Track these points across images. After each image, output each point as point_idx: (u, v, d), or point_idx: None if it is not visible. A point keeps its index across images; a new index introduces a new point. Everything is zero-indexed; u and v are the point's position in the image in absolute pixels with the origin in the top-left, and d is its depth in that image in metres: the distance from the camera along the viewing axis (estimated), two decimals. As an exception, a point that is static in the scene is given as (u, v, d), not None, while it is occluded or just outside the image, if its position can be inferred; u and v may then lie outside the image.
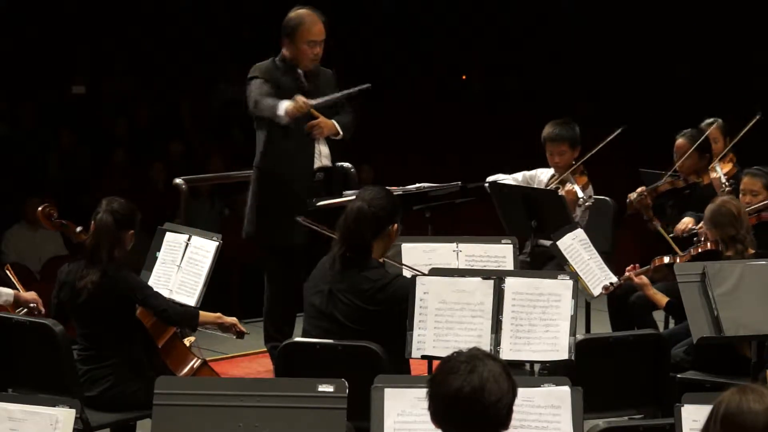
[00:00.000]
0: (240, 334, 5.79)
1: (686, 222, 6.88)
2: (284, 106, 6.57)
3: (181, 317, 5.65)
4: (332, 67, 7.09)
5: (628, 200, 7.35)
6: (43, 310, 5.77)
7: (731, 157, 7.74)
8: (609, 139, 7.18)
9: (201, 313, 5.72)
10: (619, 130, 7.19)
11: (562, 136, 7.16)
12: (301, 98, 6.59)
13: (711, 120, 7.80)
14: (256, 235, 6.91)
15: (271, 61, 6.89)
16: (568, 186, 7.07)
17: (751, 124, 7.51)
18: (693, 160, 7.30)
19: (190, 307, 5.75)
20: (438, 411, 3.29)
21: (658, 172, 7.53)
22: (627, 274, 6.32)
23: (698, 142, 7.29)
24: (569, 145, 7.16)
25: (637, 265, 6.38)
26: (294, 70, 6.84)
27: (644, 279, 6.30)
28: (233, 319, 5.79)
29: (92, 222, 5.50)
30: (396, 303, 5.17)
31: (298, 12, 6.85)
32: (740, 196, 6.71)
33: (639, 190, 7.30)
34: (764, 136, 7.80)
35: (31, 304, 5.75)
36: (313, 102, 6.66)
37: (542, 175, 7.34)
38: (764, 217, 6.69)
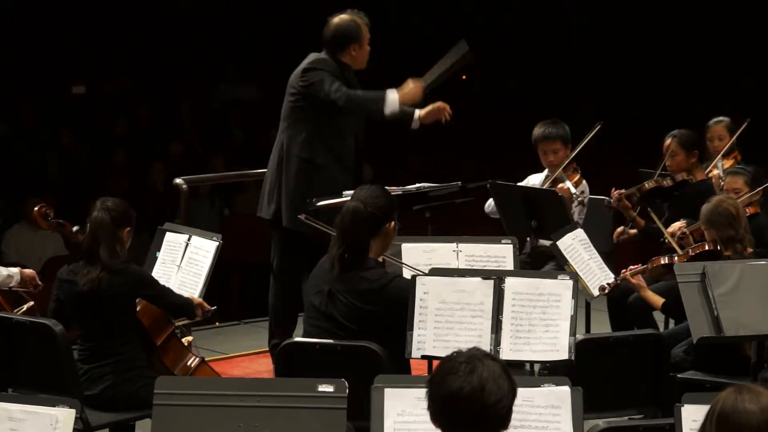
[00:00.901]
0: (206, 313, 5.75)
1: (678, 226, 6.83)
2: (394, 95, 6.68)
3: (187, 309, 5.70)
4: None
5: (606, 201, 7.41)
6: (40, 284, 5.90)
7: (735, 155, 7.79)
8: (589, 136, 7.18)
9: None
10: (597, 127, 7.19)
11: (554, 135, 7.21)
12: (413, 82, 6.72)
13: (719, 119, 7.88)
14: (292, 224, 6.70)
15: (331, 60, 6.82)
16: (561, 185, 7.08)
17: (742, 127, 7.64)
18: (681, 159, 7.32)
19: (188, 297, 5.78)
20: (437, 411, 3.28)
21: (666, 166, 7.55)
22: (623, 274, 6.30)
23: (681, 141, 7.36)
24: (562, 142, 7.22)
25: (636, 265, 6.37)
26: (351, 77, 6.87)
27: (640, 280, 6.28)
28: (199, 300, 5.77)
29: (87, 223, 5.51)
30: (395, 303, 5.16)
31: (346, 17, 6.86)
32: None
33: (614, 194, 7.32)
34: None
35: (31, 285, 5.92)
36: (425, 83, 6.79)
37: (534, 179, 7.37)
38: (748, 211, 6.70)
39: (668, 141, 7.42)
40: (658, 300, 6.24)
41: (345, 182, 6.70)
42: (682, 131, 7.38)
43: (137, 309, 5.56)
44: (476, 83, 15.64)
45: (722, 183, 7.06)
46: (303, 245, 6.63)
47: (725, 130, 7.87)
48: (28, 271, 6.00)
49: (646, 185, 7.28)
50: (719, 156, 7.58)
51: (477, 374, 3.22)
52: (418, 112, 6.79)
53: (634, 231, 7.37)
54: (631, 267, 6.33)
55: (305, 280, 5.97)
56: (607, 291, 6.30)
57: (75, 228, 5.92)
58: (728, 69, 13.00)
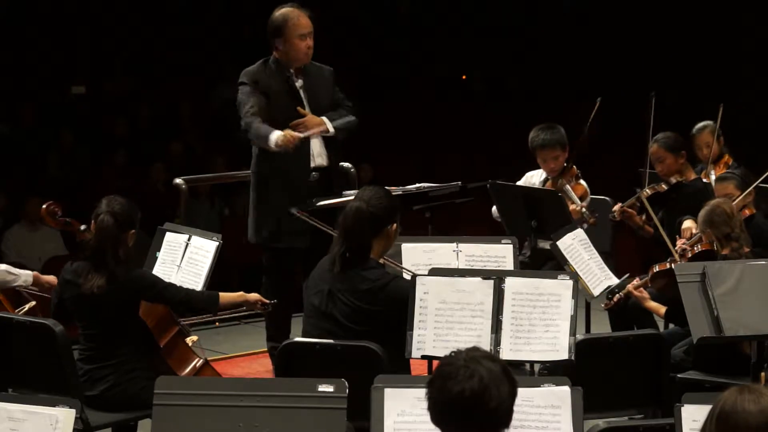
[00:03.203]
0: (265, 306, 5.80)
1: (689, 227, 6.81)
2: (274, 138, 6.50)
3: (201, 302, 5.68)
4: (331, 65, 7.05)
5: (610, 215, 7.37)
6: None
7: (726, 159, 7.75)
8: (591, 114, 7.15)
9: (222, 294, 5.69)
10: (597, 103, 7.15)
11: (553, 141, 7.17)
12: (290, 132, 6.53)
13: (703, 124, 7.82)
14: (260, 240, 6.90)
15: (261, 63, 6.84)
16: (572, 206, 7.01)
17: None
18: (670, 162, 7.29)
19: (209, 291, 5.75)
20: (438, 414, 3.27)
21: (656, 172, 7.54)
22: (628, 288, 6.31)
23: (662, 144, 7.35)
24: (561, 148, 7.18)
25: (637, 278, 6.38)
26: (284, 72, 6.78)
27: (644, 292, 6.30)
28: (256, 295, 5.79)
29: (93, 222, 5.50)
30: (395, 303, 5.17)
31: (281, 10, 6.78)
32: None
33: (616, 208, 7.30)
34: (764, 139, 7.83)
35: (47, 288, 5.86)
36: (302, 135, 6.58)
37: (533, 178, 7.36)
38: (744, 214, 6.69)
39: (653, 147, 7.37)
40: (660, 308, 6.26)
41: (293, 196, 6.64)
42: (665, 134, 7.35)
43: (141, 310, 5.55)
44: (476, 83, 15.65)
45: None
46: (300, 254, 6.69)
47: (711, 136, 7.72)
48: (47, 277, 5.95)
49: (644, 194, 7.25)
50: (709, 165, 7.54)
51: (477, 378, 3.21)
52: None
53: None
54: (635, 281, 6.34)
55: (304, 281, 5.99)
56: (610, 306, 6.35)
57: (83, 227, 5.91)
58: (728, 68, 13.00)
